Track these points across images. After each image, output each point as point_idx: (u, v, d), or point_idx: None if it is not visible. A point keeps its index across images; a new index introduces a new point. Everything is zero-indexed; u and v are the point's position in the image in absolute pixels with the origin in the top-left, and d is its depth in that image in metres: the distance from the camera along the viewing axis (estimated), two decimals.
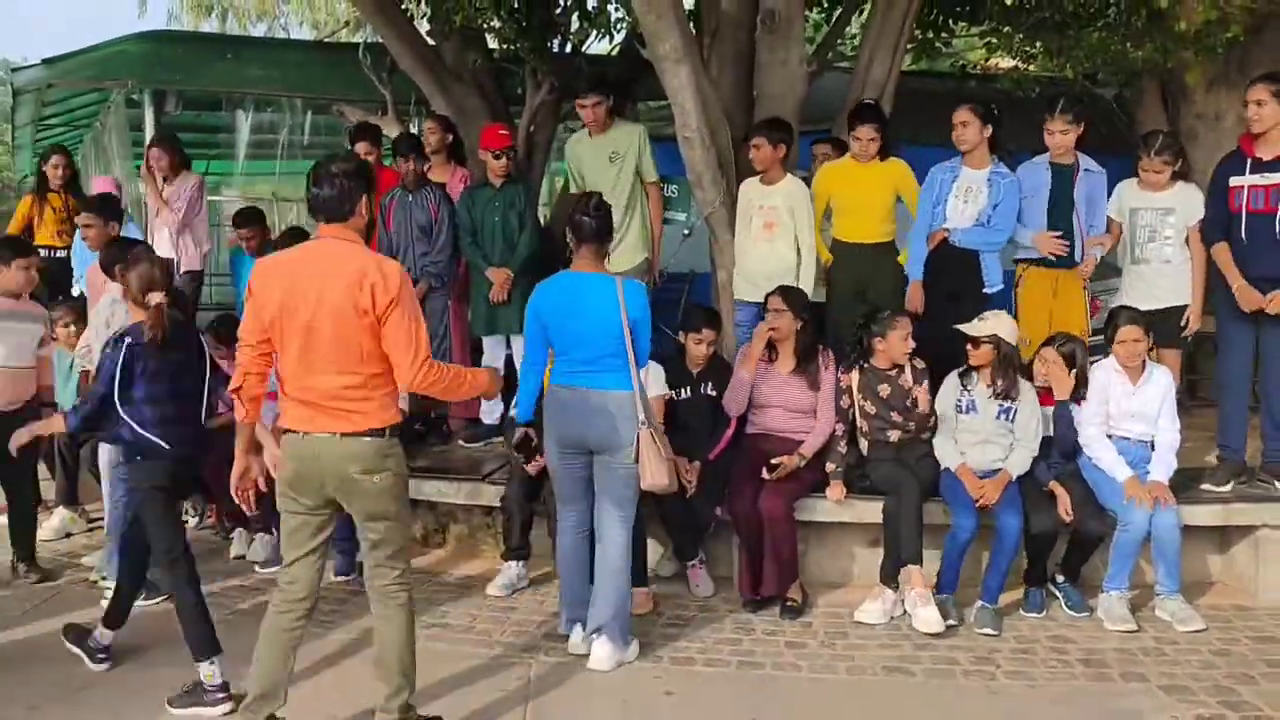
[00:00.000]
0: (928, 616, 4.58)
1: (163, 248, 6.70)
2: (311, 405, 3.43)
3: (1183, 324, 5.37)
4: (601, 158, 6.11)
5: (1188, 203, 5.33)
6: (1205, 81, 7.17)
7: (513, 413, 5.06)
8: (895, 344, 4.99)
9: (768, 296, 5.18)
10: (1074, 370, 4.95)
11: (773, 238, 5.66)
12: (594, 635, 4.30)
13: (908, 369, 5.05)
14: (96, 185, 6.77)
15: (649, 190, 6.19)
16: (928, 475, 4.95)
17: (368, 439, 3.43)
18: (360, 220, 3.51)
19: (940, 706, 4.02)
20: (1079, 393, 4.96)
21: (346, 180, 3.46)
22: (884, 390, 5.03)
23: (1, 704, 3.93)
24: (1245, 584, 5.12)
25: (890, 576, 4.78)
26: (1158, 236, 5.35)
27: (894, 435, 5.02)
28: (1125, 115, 7.68)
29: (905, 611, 4.74)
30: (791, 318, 5.06)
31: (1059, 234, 5.36)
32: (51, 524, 5.98)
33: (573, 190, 6.34)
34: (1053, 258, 5.38)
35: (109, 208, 5.98)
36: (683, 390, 5.15)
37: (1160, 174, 5.32)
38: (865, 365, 5.08)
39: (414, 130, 8.37)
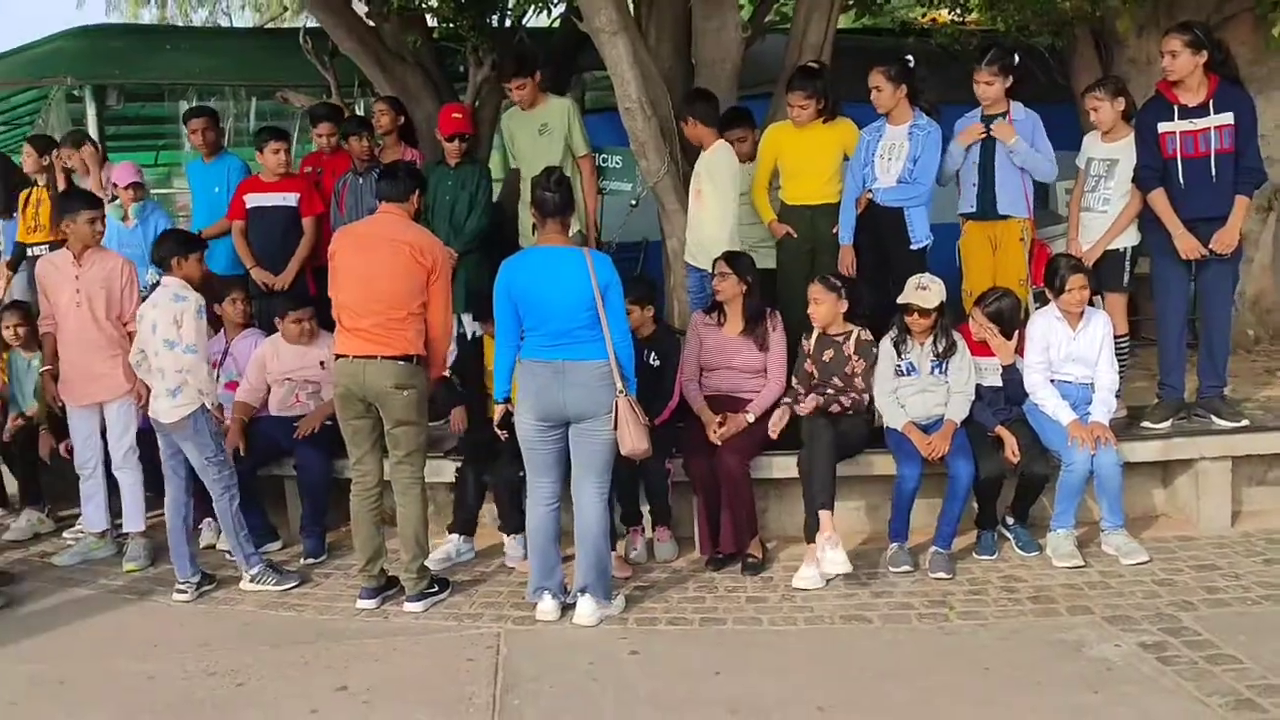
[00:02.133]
0: (834, 558, 4.62)
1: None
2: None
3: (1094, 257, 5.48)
4: (531, 131, 6.26)
5: (1131, 151, 5.42)
6: (1136, 27, 7.28)
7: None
8: (822, 310, 5.08)
9: (714, 261, 5.28)
10: (1003, 328, 5.05)
11: (701, 204, 5.73)
12: (579, 593, 4.47)
13: (852, 339, 5.13)
14: (117, 173, 6.73)
15: (581, 164, 6.29)
16: (858, 432, 5.05)
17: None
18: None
19: (895, 649, 4.16)
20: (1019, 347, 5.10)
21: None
22: (828, 355, 5.13)
23: None
24: (1188, 515, 5.31)
25: (815, 534, 4.78)
26: (1100, 185, 5.48)
27: (829, 403, 5.04)
28: (1059, 65, 7.79)
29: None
30: (735, 281, 5.16)
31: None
32: (19, 525, 6.03)
33: (511, 164, 6.40)
34: (973, 208, 5.52)
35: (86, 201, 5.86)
36: None
37: (1096, 109, 5.45)
38: (820, 330, 5.18)
39: (359, 112, 8.38)
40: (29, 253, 7.22)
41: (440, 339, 4.84)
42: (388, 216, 4.77)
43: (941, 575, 4.78)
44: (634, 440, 4.41)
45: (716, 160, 5.69)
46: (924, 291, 4.94)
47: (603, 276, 4.41)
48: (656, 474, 5.10)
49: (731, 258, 5.25)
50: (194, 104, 10.28)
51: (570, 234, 4.65)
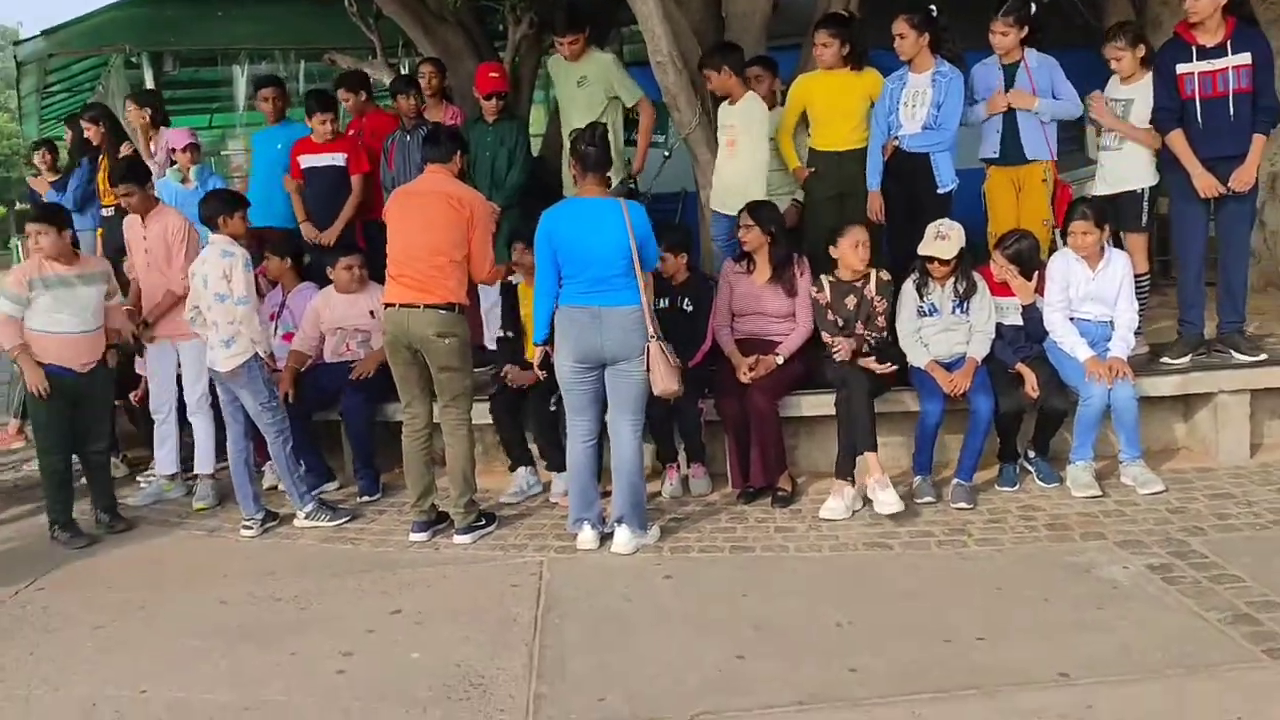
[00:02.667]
0: (886, 499, 4.87)
1: None
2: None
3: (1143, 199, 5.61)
4: (570, 82, 6.47)
5: (1147, 90, 5.54)
6: None
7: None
8: (846, 252, 5.25)
9: (739, 213, 5.49)
10: (1023, 268, 5.20)
11: (734, 154, 5.89)
12: (616, 523, 4.78)
13: (872, 281, 5.30)
14: (172, 138, 7.08)
15: (641, 108, 6.46)
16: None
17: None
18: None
19: (913, 572, 4.40)
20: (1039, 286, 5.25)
21: None
22: (850, 302, 5.30)
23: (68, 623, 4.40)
24: (1208, 448, 5.46)
25: (846, 471, 5.03)
26: None
27: (851, 343, 5.20)
28: (1090, 8, 7.83)
29: (867, 501, 5.00)
30: (759, 232, 5.37)
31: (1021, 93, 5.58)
32: None
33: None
34: (995, 153, 5.65)
35: (138, 173, 6.13)
36: (662, 300, 5.42)
37: (1118, 59, 5.54)
38: (834, 278, 5.35)
39: (403, 71, 8.63)
40: (102, 214, 7.66)
41: (488, 280, 5.30)
42: (433, 175, 5.10)
43: (962, 505, 5.00)
44: (665, 381, 4.68)
45: (750, 110, 5.86)
46: (943, 241, 5.10)
47: (638, 226, 4.67)
48: (689, 414, 5.36)
49: (755, 209, 5.44)
50: (245, 68, 10.67)
51: (613, 186, 4.97)
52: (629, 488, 4.76)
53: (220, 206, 5.32)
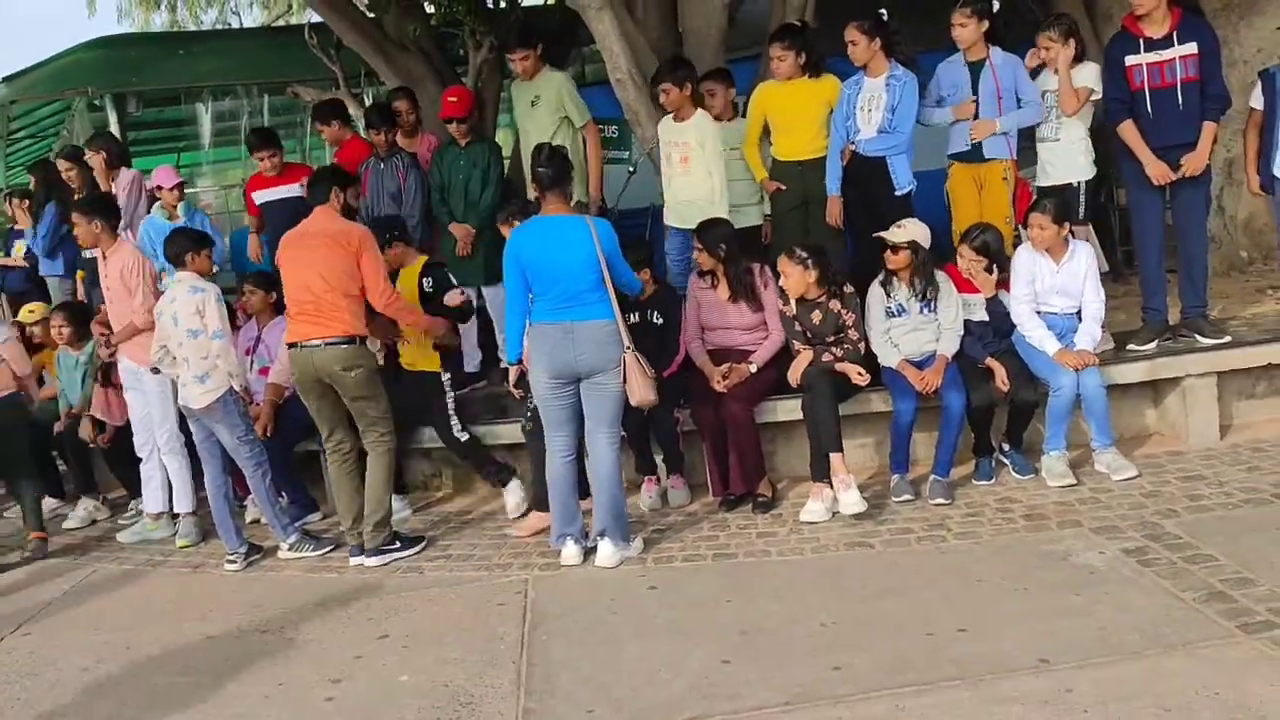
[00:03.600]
0: (848, 499, 4.92)
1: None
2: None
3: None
4: (525, 102, 6.53)
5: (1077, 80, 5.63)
6: None
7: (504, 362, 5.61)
8: (792, 283, 5.25)
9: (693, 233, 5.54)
10: (990, 259, 5.27)
11: (688, 170, 5.94)
12: (599, 538, 4.82)
13: (836, 298, 5.29)
14: (159, 176, 7.12)
15: (586, 133, 6.51)
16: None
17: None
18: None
19: (895, 569, 4.45)
20: (1002, 278, 5.33)
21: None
22: (816, 317, 5.32)
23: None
24: (1178, 432, 5.54)
25: (822, 473, 5.06)
26: (1050, 116, 5.69)
27: (826, 357, 5.25)
28: (1040, 4, 7.95)
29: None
30: (708, 255, 5.40)
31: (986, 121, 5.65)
32: (78, 514, 6.43)
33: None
34: (968, 146, 5.72)
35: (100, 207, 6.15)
36: (631, 315, 5.41)
37: (1049, 50, 5.63)
38: (796, 298, 5.32)
39: (367, 101, 8.68)
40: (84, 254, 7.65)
41: (389, 310, 5.24)
42: (318, 216, 5.20)
43: (940, 501, 5.05)
44: (642, 391, 4.73)
45: (702, 126, 5.91)
46: (897, 229, 5.19)
47: (605, 241, 4.72)
48: (665, 423, 5.40)
49: (703, 231, 5.47)
50: (209, 105, 10.71)
51: (571, 203, 4.99)
52: (609, 500, 4.80)
53: (187, 244, 5.38)
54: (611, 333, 4.71)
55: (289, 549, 5.39)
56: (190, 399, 5.26)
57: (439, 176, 6.57)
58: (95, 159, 7.37)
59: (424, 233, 6.64)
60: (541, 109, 6.46)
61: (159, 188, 7.04)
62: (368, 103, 8.85)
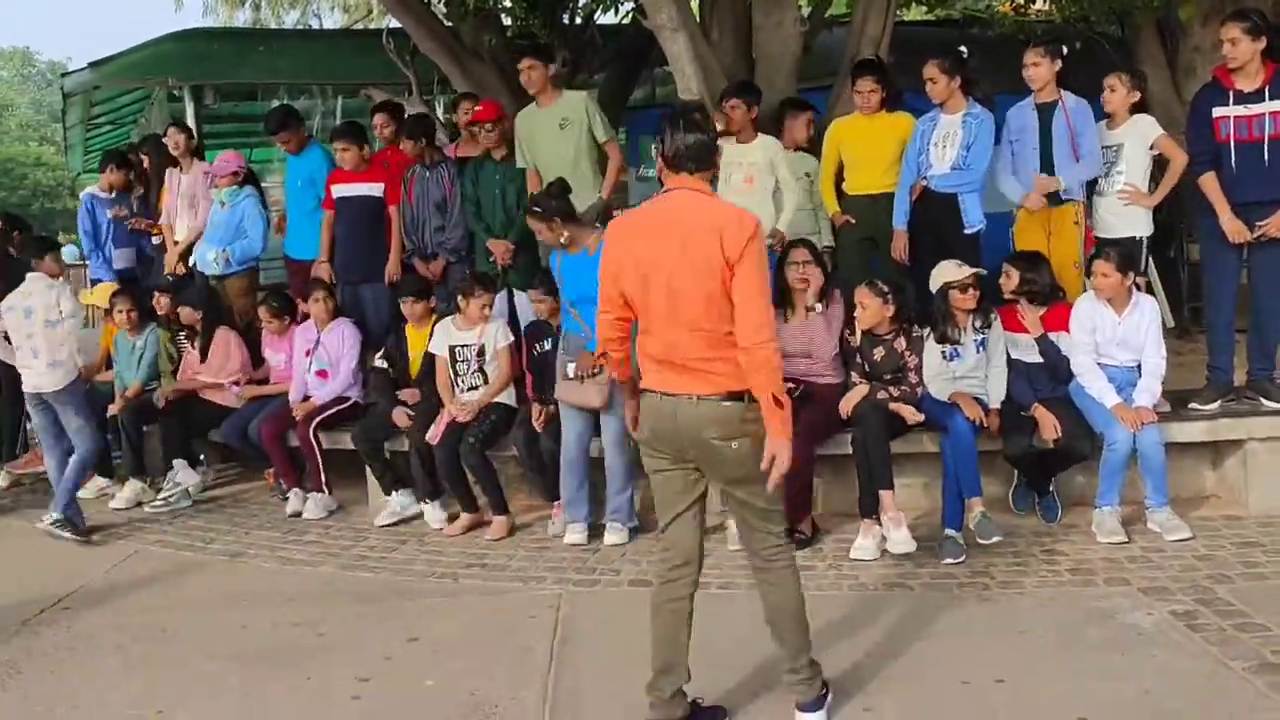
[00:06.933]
0: (898, 538, 4.88)
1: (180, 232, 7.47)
2: (671, 365, 3.25)
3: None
4: (551, 126, 6.33)
5: (1135, 133, 5.60)
6: (1200, 15, 7.32)
7: None
8: (868, 314, 5.21)
9: (788, 248, 5.49)
10: (1038, 290, 5.24)
11: (753, 190, 5.92)
12: (609, 520, 5.33)
13: (904, 336, 5.26)
14: (218, 163, 7.27)
15: (609, 149, 6.41)
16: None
17: (726, 403, 3.22)
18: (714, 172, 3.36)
19: (934, 614, 4.35)
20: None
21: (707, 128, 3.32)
22: (878, 353, 5.27)
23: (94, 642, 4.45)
24: (1237, 495, 5.39)
25: (871, 509, 5.01)
26: (1112, 170, 5.61)
27: (882, 395, 5.19)
28: (1122, 55, 7.85)
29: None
30: (816, 268, 5.38)
31: (1047, 178, 5.58)
32: (125, 494, 6.51)
33: (518, 163, 6.46)
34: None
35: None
36: None
37: (1113, 90, 5.59)
38: (865, 330, 5.29)
39: (438, 109, 8.77)
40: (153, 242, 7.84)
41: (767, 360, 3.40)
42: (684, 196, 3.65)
43: (950, 560, 4.84)
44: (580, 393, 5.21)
45: (777, 148, 5.96)
46: (959, 268, 5.14)
47: None
48: None
49: (808, 245, 5.48)
50: (284, 102, 10.90)
51: (590, 202, 5.22)
52: (618, 484, 5.27)
53: (39, 248, 6.08)
54: None
55: (51, 524, 5.73)
56: (43, 386, 5.76)
57: (471, 189, 6.49)
58: (186, 141, 7.51)
59: (467, 245, 6.65)
60: (571, 130, 6.28)
61: (215, 174, 7.18)
62: (439, 110, 8.93)
